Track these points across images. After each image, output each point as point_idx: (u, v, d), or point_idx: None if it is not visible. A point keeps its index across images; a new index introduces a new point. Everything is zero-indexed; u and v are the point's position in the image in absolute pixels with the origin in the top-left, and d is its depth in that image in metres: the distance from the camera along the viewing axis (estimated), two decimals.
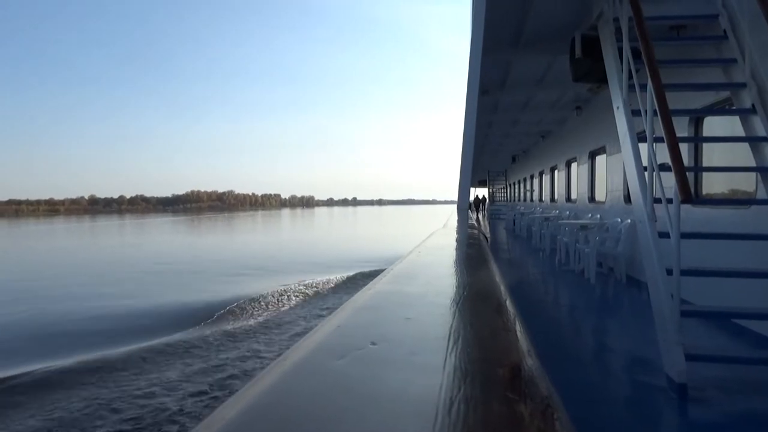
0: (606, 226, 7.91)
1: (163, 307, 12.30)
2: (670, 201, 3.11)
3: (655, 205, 3.43)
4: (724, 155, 5.10)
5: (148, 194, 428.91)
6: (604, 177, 9.01)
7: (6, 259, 28.16)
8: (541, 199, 16.85)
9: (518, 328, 1.19)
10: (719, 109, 5.01)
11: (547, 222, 11.26)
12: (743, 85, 3.79)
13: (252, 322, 10.79)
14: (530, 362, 0.92)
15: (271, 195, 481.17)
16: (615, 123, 4.25)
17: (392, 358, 0.95)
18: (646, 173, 3.58)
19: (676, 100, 3.88)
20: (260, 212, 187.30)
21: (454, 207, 10.58)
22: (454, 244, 4.49)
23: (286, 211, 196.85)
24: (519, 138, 16.11)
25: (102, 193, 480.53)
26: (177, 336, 9.55)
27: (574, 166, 11.58)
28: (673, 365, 2.89)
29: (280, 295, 13.29)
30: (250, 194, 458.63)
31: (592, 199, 10.08)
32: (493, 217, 25.98)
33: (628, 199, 7.30)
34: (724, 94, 4.60)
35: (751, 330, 4.13)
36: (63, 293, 14.93)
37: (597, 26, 5.08)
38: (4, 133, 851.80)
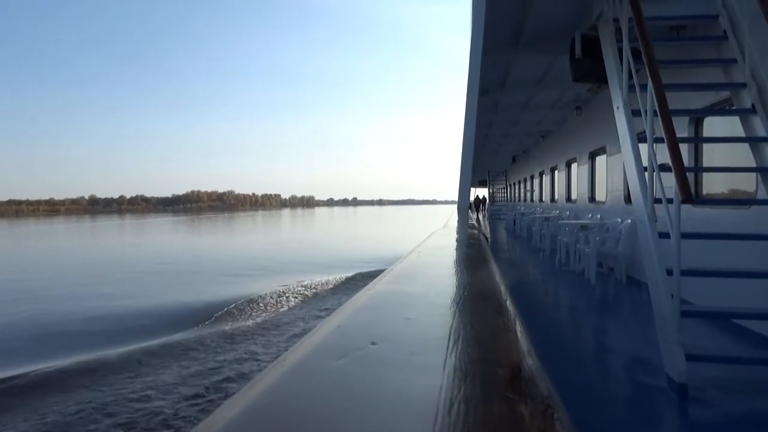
0: (606, 226, 7.91)
1: (163, 307, 12.30)
2: (670, 201, 3.11)
3: (655, 205, 3.43)
4: (725, 155, 5.10)
5: (148, 194, 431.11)
6: (605, 177, 9.01)
7: (6, 259, 28.17)
8: (541, 200, 16.85)
9: (518, 328, 1.19)
10: (719, 109, 5.02)
11: (548, 222, 11.26)
12: (743, 86, 3.79)
13: (250, 323, 10.76)
14: (530, 362, 0.92)
15: (271, 195, 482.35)
16: (615, 123, 4.25)
17: (392, 359, 0.94)
18: (646, 173, 3.58)
19: (676, 101, 3.87)
20: (260, 212, 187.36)
21: (455, 207, 10.59)
22: (455, 244, 4.48)
23: (286, 212, 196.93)
24: (519, 138, 16.11)
25: (102, 193, 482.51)
26: (175, 337, 9.54)
27: (574, 166, 11.58)
28: (673, 365, 2.89)
29: (278, 296, 13.26)
30: (250, 194, 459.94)
31: (592, 199, 10.09)
32: (494, 218, 26.00)
33: (628, 199, 7.30)
34: (724, 94, 4.60)
35: (752, 330, 4.13)
36: (63, 293, 14.93)
37: (597, 26, 5.09)
38: (4, 133, 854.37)
